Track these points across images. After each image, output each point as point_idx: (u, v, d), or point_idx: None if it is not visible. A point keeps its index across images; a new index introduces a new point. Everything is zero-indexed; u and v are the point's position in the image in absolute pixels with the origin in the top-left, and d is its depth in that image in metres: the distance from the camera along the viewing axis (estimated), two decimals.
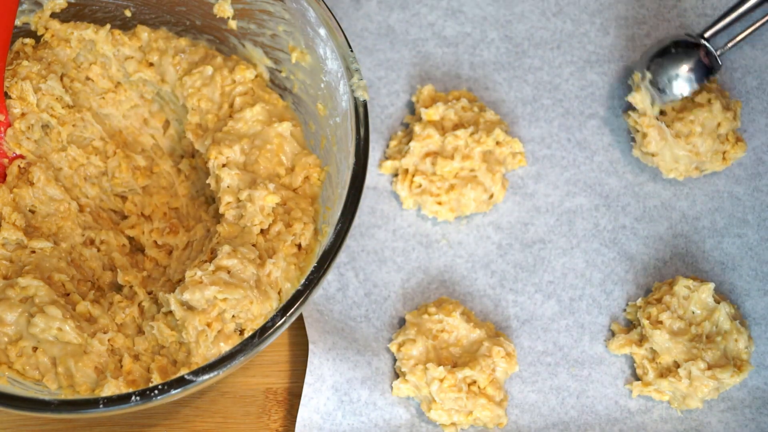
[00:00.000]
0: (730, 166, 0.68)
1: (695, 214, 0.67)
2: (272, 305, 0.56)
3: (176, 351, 0.56)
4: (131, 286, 0.61)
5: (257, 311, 0.56)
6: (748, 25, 0.68)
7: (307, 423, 0.61)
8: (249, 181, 0.59)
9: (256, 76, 0.63)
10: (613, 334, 0.65)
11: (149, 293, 0.60)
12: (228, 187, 0.59)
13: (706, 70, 0.66)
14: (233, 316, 0.56)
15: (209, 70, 0.63)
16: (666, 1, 0.71)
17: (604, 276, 0.66)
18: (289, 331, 0.64)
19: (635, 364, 0.64)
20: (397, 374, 0.64)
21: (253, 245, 0.58)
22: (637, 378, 0.64)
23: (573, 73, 0.70)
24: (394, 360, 0.64)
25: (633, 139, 0.68)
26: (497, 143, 0.67)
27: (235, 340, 0.55)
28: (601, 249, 0.67)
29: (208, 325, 0.55)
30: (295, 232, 0.58)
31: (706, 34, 0.67)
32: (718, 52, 0.67)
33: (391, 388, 0.63)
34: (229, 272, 0.56)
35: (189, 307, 0.56)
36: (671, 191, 0.68)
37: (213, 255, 0.57)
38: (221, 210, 0.59)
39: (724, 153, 0.67)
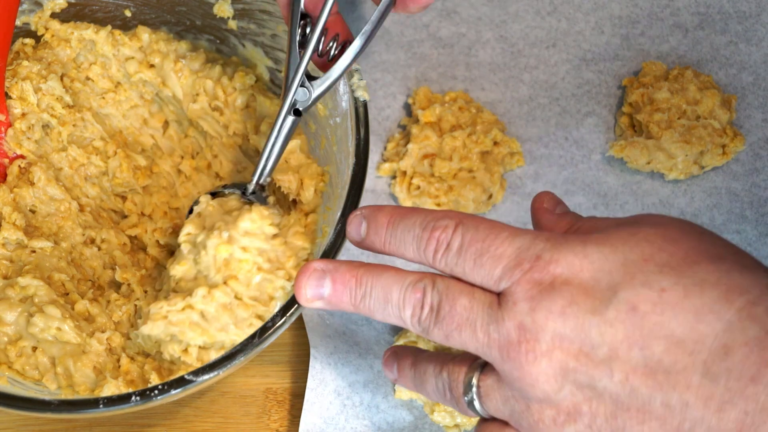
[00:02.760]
0: (728, 162, 0.68)
1: (693, 211, 0.68)
2: (255, 326, 0.54)
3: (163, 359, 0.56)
4: (129, 284, 0.61)
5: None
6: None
7: (310, 428, 0.60)
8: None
9: (257, 81, 0.64)
10: None
11: (145, 292, 0.60)
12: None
13: None
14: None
15: (209, 84, 0.63)
16: (659, 0, 0.72)
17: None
18: (289, 331, 0.64)
19: None
20: None
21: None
22: None
23: (569, 72, 0.71)
24: None
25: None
26: (495, 143, 0.68)
27: (228, 347, 0.55)
28: None
29: (184, 351, 0.54)
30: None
31: None
32: None
33: (394, 390, 0.63)
34: (201, 313, 0.54)
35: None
36: (669, 188, 0.68)
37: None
38: (179, 238, 0.56)
39: (723, 147, 0.67)
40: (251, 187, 0.56)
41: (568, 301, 0.43)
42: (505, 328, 0.44)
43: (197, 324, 0.53)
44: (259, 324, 0.53)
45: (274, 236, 0.54)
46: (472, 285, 0.46)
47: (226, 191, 0.58)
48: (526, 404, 0.45)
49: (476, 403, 0.47)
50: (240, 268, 0.53)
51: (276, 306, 0.53)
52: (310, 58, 0.55)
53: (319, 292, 0.49)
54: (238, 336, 0.54)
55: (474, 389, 0.47)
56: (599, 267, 0.44)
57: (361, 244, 0.50)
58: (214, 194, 0.58)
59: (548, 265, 0.44)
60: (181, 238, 0.55)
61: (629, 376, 0.43)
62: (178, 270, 0.54)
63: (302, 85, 0.55)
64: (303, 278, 0.49)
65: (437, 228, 0.46)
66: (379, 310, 0.48)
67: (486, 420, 0.48)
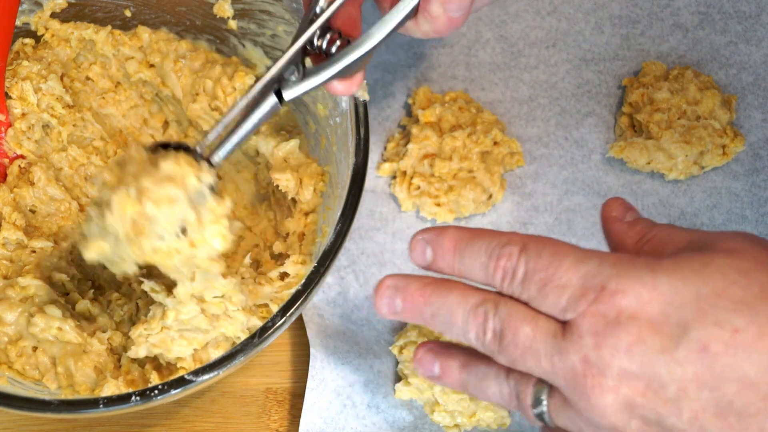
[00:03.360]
0: (728, 162, 0.68)
1: (693, 211, 0.68)
2: (233, 317, 0.55)
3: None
4: (130, 284, 0.61)
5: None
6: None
7: (310, 428, 0.60)
8: None
9: (257, 81, 0.64)
10: None
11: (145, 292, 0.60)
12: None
13: None
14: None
15: (209, 84, 0.63)
16: (659, 0, 0.72)
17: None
18: (289, 331, 0.64)
19: None
20: (399, 377, 0.63)
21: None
22: None
23: (569, 72, 0.71)
24: (396, 363, 0.64)
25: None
26: (495, 143, 0.68)
27: (225, 345, 0.55)
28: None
29: (179, 358, 0.55)
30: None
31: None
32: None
33: (394, 390, 0.63)
34: (180, 329, 0.54)
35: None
36: (669, 189, 0.68)
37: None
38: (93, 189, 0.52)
39: (723, 147, 0.67)
40: (199, 149, 0.51)
41: (635, 338, 0.42)
42: (570, 360, 0.43)
43: (180, 337, 0.54)
44: (236, 313, 0.54)
45: (196, 214, 0.49)
46: (538, 311, 0.45)
47: (172, 145, 0.51)
48: (596, 430, 0.44)
49: (546, 417, 0.46)
50: (151, 226, 0.48)
51: (240, 298, 0.54)
52: (307, 44, 0.51)
53: (393, 310, 0.48)
54: (227, 329, 0.54)
55: (545, 403, 0.46)
56: (669, 300, 0.42)
57: (427, 269, 0.48)
58: (164, 146, 0.51)
59: (614, 296, 0.42)
60: (94, 189, 0.50)
61: (698, 414, 0.42)
62: (92, 254, 0.50)
63: (294, 63, 0.50)
64: (378, 295, 0.48)
65: (502, 256, 0.45)
66: (447, 331, 0.47)
67: (552, 429, 0.47)
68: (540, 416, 0.46)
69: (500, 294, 0.46)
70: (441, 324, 0.47)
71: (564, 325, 0.44)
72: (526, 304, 0.45)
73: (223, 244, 0.50)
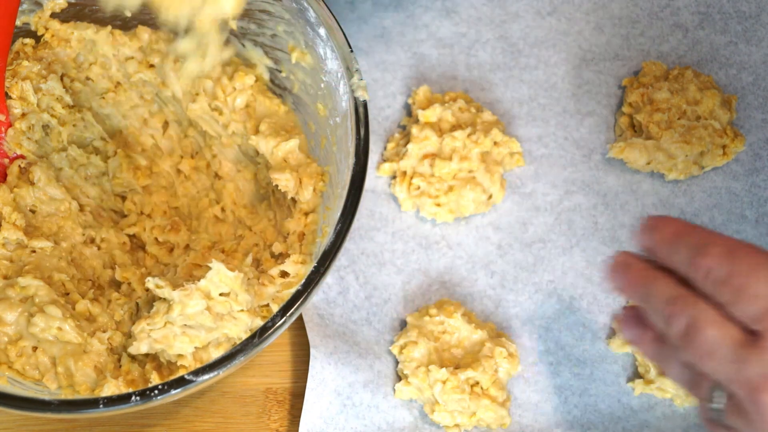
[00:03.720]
0: (728, 162, 0.68)
1: (693, 211, 0.68)
2: (238, 318, 0.56)
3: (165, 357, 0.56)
4: (129, 283, 0.61)
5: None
6: None
7: (310, 428, 0.61)
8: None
9: (256, 80, 0.64)
10: (614, 332, 0.65)
11: (147, 291, 0.60)
12: None
13: None
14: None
15: (209, 84, 0.63)
16: (659, 0, 0.72)
17: (604, 274, 0.66)
18: (289, 331, 0.64)
19: (637, 363, 0.64)
20: (399, 377, 0.63)
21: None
22: (639, 376, 0.64)
23: (569, 72, 0.71)
24: (396, 362, 0.64)
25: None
26: (495, 143, 0.68)
27: (226, 346, 0.56)
28: (600, 247, 0.67)
29: (180, 356, 0.55)
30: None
31: None
32: None
33: (394, 390, 0.63)
34: (184, 324, 0.55)
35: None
36: (669, 189, 0.68)
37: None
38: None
39: (724, 147, 0.67)
40: None
41: None
42: (750, 371, 0.44)
43: (183, 334, 0.54)
44: (241, 314, 0.54)
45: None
46: (727, 317, 0.45)
47: None
48: None
49: (719, 415, 0.47)
50: None
51: (240, 297, 0.54)
52: None
53: (620, 283, 0.51)
54: (230, 330, 0.54)
55: (720, 401, 0.46)
56: None
57: (646, 253, 0.50)
58: None
59: None
60: None
61: None
62: None
63: None
64: (612, 268, 0.51)
65: (706, 255, 0.46)
66: (652, 316, 0.49)
67: (718, 423, 0.48)
68: (712, 410, 0.47)
69: (698, 295, 0.47)
70: (647, 307, 0.49)
71: (752, 335, 0.44)
72: (721, 308, 0.46)
73: (234, 8, 0.50)
